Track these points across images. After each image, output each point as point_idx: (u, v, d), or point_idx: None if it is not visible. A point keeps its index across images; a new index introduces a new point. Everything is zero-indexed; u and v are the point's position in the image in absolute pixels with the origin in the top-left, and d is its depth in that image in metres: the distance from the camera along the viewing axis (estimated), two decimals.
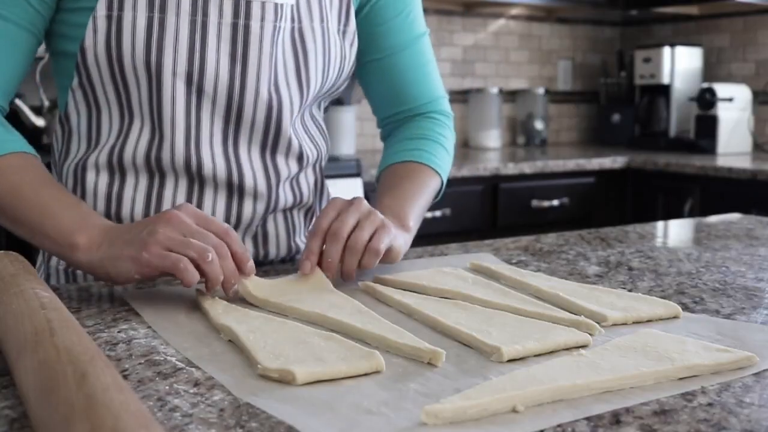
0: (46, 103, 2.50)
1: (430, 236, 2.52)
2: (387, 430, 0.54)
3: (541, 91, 3.65)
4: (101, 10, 0.95)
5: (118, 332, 0.76)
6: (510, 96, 3.70)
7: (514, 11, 3.68)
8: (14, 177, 0.93)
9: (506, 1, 3.33)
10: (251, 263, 0.86)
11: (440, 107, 1.21)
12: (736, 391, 0.62)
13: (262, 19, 1.00)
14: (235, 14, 0.99)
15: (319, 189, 1.18)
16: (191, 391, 0.62)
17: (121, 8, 0.96)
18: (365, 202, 0.95)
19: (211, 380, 0.64)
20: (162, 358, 0.69)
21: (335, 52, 1.07)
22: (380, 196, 1.09)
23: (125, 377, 0.64)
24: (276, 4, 1.00)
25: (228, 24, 0.99)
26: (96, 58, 0.97)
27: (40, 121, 2.48)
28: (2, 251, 0.89)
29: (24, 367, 0.58)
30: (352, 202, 0.94)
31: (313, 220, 1.13)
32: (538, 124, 3.65)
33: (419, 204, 1.08)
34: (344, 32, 1.09)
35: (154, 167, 1.02)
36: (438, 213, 2.68)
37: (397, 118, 1.21)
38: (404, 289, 0.91)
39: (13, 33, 0.96)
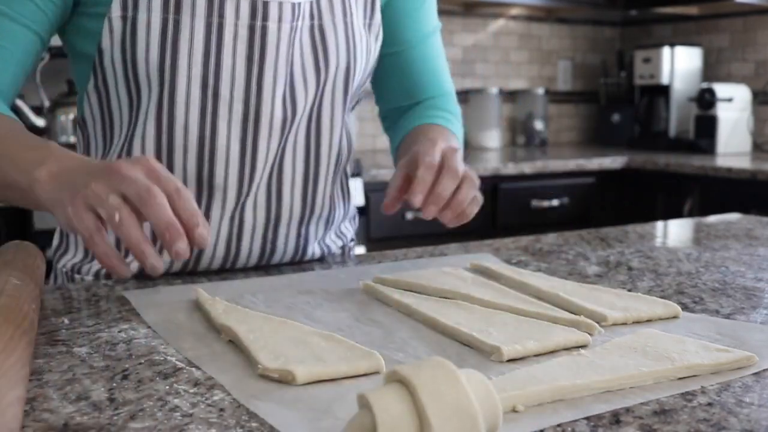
0: (47, 103, 2.50)
1: (430, 236, 2.52)
2: None
3: (541, 91, 3.65)
4: (116, 11, 0.93)
5: (118, 332, 0.77)
6: (510, 96, 3.71)
7: (514, 11, 3.68)
8: None
9: (506, 1, 3.33)
10: (201, 230, 0.73)
11: (449, 104, 1.22)
12: (735, 391, 0.62)
13: (280, 19, 0.98)
14: (253, 15, 0.97)
15: (339, 195, 1.15)
16: (191, 391, 0.62)
17: (135, 9, 0.93)
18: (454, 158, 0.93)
19: (211, 380, 0.64)
20: (162, 358, 0.69)
21: (361, 48, 1.05)
22: (415, 137, 1.10)
23: (125, 377, 0.64)
24: (293, 4, 0.98)
25: (245, 26, 0.97)
26: (112, 59, 0.96)
27: (40, 122, 2.48)
28: (17, 241, 0.89)
29: None
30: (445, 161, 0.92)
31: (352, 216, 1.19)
32: (538, 124, 3.65)
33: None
34: (370, 25, 1.08)
35: None
36: None
37: (405, 108, 1.22)
38: (404, 289, 0.91)
39: (16, 32, 0.93)
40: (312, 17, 1.01)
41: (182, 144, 0.98)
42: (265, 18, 0.97)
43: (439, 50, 1.21)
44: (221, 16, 0.96)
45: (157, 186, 0.72)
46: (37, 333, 0.74)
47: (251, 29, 0.97)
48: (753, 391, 0.62)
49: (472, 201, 0.93)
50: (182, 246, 0.71)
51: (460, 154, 0.93)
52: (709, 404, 0.59)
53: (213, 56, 0.96)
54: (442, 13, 3.90)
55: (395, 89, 1.20)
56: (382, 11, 1.11)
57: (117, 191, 0.71)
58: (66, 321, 0.80)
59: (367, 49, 1.07)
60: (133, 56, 0.95)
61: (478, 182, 0.94)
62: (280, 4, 0.98)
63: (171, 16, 0.94)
